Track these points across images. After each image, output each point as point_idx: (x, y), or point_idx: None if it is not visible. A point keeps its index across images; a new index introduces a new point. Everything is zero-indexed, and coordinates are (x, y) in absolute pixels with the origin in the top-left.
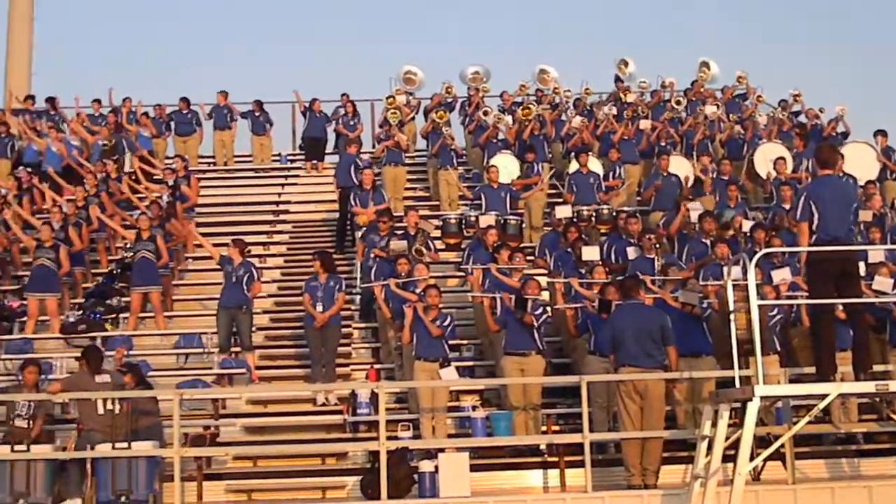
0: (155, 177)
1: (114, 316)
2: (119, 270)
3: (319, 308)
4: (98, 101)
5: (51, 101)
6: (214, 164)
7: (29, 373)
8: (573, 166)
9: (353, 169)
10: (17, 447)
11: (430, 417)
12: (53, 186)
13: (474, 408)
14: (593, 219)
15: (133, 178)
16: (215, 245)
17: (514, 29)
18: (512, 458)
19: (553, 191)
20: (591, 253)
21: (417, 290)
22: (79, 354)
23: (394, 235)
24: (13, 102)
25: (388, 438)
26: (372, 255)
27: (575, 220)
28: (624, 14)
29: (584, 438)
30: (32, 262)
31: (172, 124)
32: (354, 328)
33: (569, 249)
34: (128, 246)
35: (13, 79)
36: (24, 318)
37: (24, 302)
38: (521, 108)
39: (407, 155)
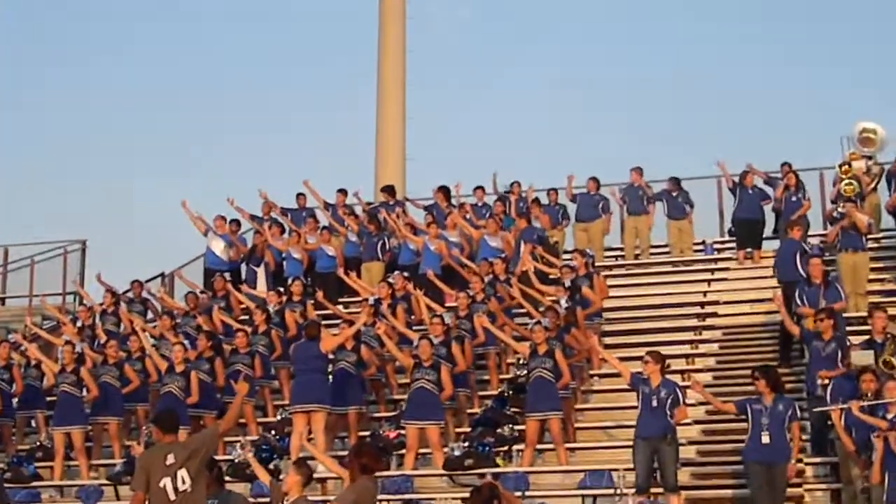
0: (550, 276)
1: (506, 448)
2: (511, 392)
3: (766, 439)
4: (481, 188)
5: (444, 191)
6: (623, 257)
7: None
8: None
9: (799, 257)
10: None
11: None
12: (432, 292)
13: None
14: None
15: (523, 278)
16: (625, 360)
17: None
18: None
19: None
20: None
21: (889, 416)
22: (467, 495)
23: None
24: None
25: None
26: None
27: None
28: None
29: None
30: (410, 383)
31: (574, 209)
32: (806, 463)
33: None
34: (521, 362)
35: (385, 169)
36: (403, 451)
37: (402, 431)
38: None
39: (869, 237)
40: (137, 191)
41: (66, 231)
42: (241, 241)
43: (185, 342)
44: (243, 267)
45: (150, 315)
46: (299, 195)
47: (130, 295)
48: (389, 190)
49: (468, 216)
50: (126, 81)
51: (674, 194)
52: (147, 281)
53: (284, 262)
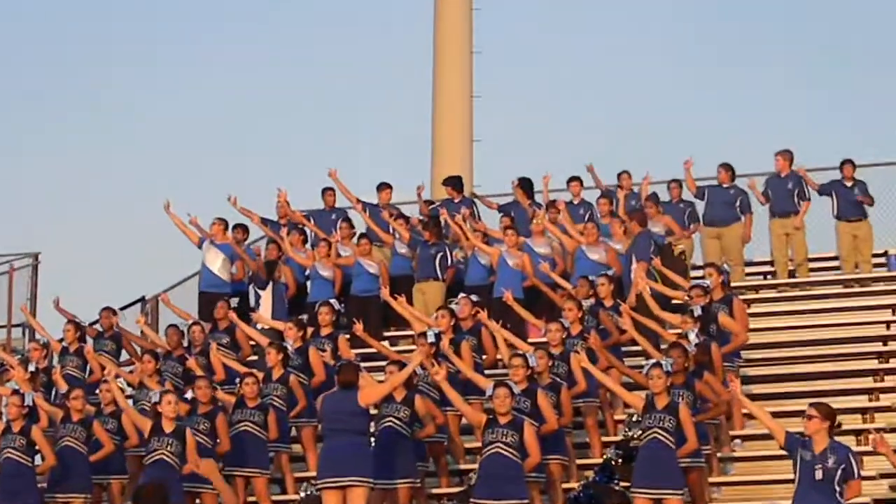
0: (673, 301)
1: None
2: (619, 460)
3: None
4: (577, 179)
5: (525, 184)
6: (773, 274)
7: None
8: None
9: None
10: None
11: None
12: (511, 323)
13: None
14: None
15: (637, 304)
16: (778, 415)
17: None
18: None
19: None
20: None
21: None
22: None
23: None
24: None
25: None
26: None
27: None
28: None
29: None
30: (482, 448)
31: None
32: None
33: None
34: (633, 419)
35: (443, 156)
36: None
37: None
38: None
39: None
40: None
41: (13, 241)
42: (248, 254)
43: (175, 392)
44: (252, 290)
45: (126, 355)
46: (326, 191)
47: (99, 328)
48: (454, 183)
49: (559, 219)
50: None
51: (847, 185)
52: (122, 308)
53: (308, 283)
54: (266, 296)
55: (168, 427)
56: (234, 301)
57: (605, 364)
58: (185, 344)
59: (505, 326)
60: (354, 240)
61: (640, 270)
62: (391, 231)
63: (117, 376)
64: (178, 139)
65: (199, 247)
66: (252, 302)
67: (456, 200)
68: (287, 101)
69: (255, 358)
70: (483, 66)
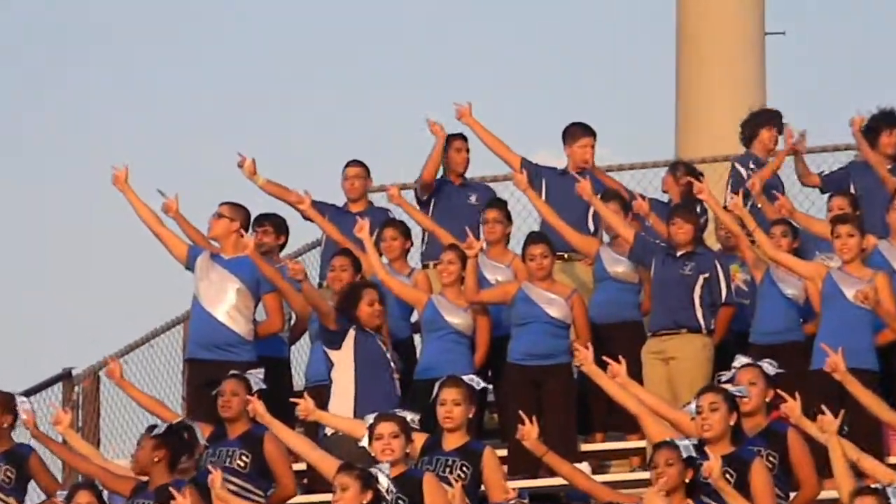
0: None
1: None
2: None
3: None
4: None
5: None
6: None
7: None
8: None
9: None
10: None
11: None
12: None
13: None
14: None
15: None
16: None
17: None
18: None
19: None
20: None
21: None
22: None
23: None
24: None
25: None
26: None
27: None
28: None
29: None
30: None
31: None
32: None
33: None
34: None
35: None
36: None
37: None
38: None
39: None
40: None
41: None
42: (287, 279)
43: None
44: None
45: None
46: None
47: None
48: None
49: None
50: None
51: None
52: (27, 393)
53: (420, 340)
54: (343, 365)
55: None
56: (259, 375)
57: None
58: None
59: None
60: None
61: None
62: None
63: None
64: None
65: (188, 266)
66: (301, 379)
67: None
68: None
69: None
70: None
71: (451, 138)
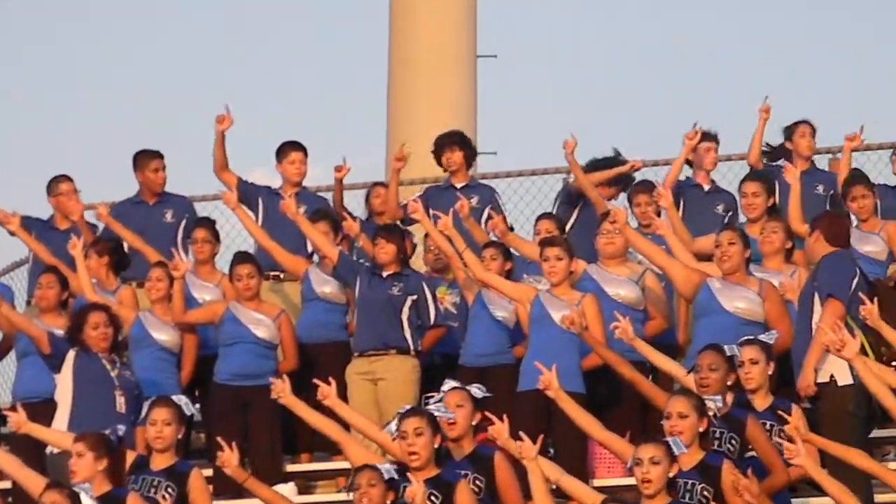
0: None
1: None
2: None
3: None
4: None
5: None
6: None
7: None
8: None
9: None
10: None
11: None
12: None
13: None
14: None
15: None
16: None
17: None
18: None
19: None
20: None
21: None
22: None
23: None
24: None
25: None
26: None
27: None
28: None
29: None
30: None
31: None
32: None
33: None
34: None
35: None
36: None
37: None
38: None
39: None
40: None
41: None
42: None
43: None
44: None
45: None
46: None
47: None
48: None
49: None
50: None
51: None
52: None
53: None
54: (63, 385)
55: None
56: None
57: None
58: None
59: None
60: None
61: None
62: None
63: None
64: None
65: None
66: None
67: None
68: None
69: None
70: None
71: (148, 157)
